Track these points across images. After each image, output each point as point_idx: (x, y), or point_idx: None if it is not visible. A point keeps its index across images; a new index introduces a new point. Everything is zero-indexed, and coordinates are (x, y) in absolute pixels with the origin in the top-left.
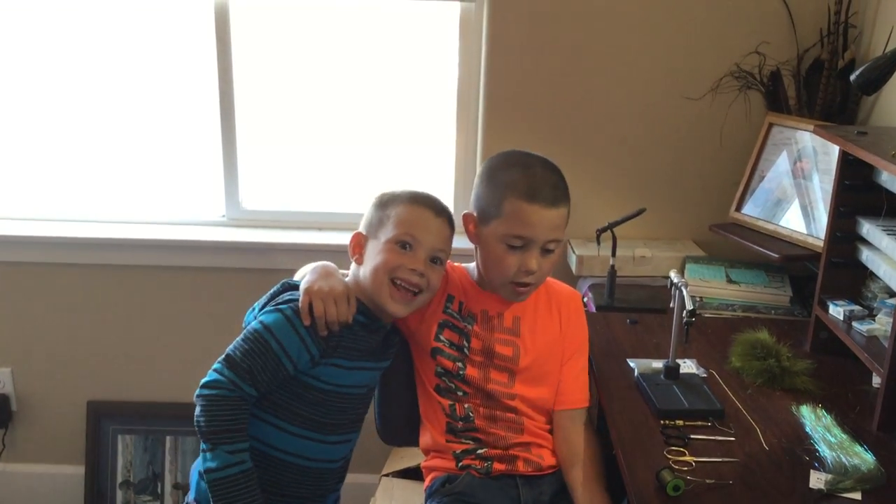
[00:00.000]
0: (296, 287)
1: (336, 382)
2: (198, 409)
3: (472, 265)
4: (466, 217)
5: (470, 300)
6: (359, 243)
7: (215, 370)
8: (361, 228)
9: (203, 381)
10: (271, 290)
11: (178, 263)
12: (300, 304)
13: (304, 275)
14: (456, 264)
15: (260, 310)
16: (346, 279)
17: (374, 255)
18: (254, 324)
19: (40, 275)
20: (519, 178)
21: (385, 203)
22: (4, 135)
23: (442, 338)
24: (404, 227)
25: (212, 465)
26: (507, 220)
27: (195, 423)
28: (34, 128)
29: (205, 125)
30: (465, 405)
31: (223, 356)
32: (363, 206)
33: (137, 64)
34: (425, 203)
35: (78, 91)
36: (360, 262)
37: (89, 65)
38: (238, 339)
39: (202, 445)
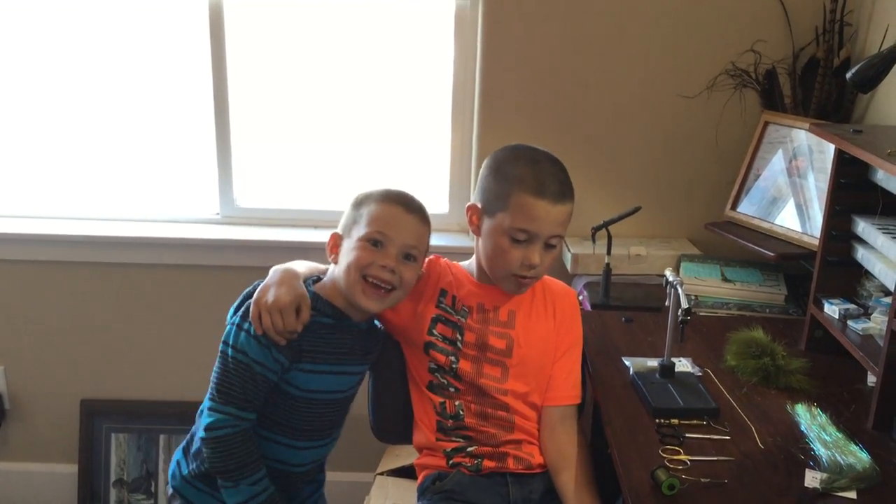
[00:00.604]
0: None
1: (306, 388)
2: (208, 451)
3: (468, 262)
4: (470, 208)
5: (465, 294)
6: (335, 243)
7: (213, 410)
8: (338, 229)
9: (205, 423)
10: (245, 291)
11: (173, 261)
12: (251, 316)
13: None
14: (452, 262)
15: (234, 312)
16: (325, 278)
17: (347, 253)
18: (228, 350)
19: (33, 272)
20: (527, 172)
21: (359, 202)
22: None
23: (435, 332)
24: (375, 224)
25: (238, 499)
26: (514, 213)
27: (209, 466)
28: (27, 125)
29: (199, 122)
30: (456, 402)
31: (214, 392)
32: None
33: (132, 62)
34: (397, 200)
35: (71, 89)
36: (336, 262)
37: (83, 63)
38: (218, 369)
39: (220, 481)
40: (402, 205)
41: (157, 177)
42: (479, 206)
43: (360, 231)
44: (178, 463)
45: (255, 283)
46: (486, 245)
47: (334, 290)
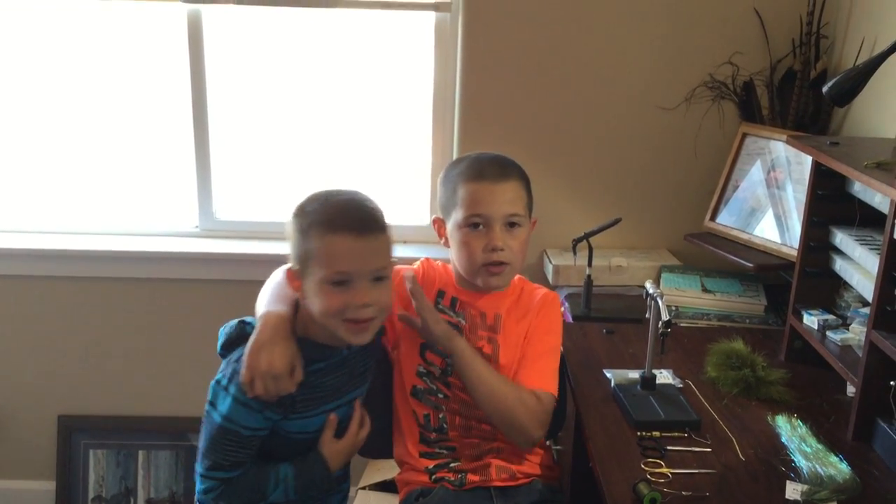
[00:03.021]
0: (247, 336)
1: (303, 431)
2: None
3: (452, 267)
4: (436, 221)
5: (459, 299)
6: (295, 278)
7: (204, 476)
8: (292, 261)
9: (199, 488)
10: (228, 331)
11: (151, 275)
12: (243, 381)
13: (257, 315)
14: (439, 262)
15: (222, 346)
16: (302, 309)
17: (313, 295)
18: (214, 415)
19: (8, 287)
20: (466, 166)
21: (304, 230)
22: None
23: None
24: (332, 264)
25: (278, 498)
26: (463, 205)
27: None
28: (3, 139)
29: (178, 135)
30: (440, 415)
31: (205, 459)
32: None
33: (110, 75)
34: (344, 226)
35: (49, 103)
36: (304, 298)
37: (61, 77)
38: (205, 433)
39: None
40: (351, 230)
41: (135, 190)
42: (440, 215)
43: (317, 272)
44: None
45: (238, 321)
46: (453, 247)
47: (312, 323)
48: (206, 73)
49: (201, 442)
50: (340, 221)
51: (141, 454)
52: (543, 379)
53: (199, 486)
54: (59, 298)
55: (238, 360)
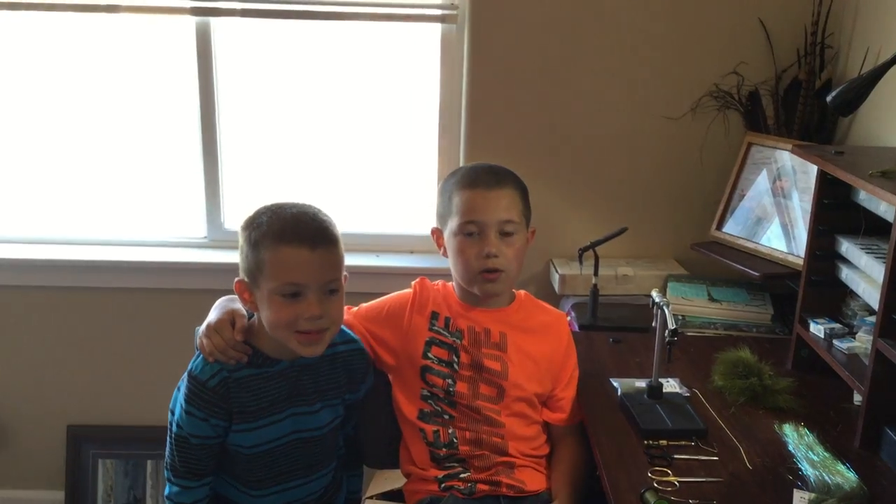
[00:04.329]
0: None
1: (242, 445)
2: None
3: (454, 283)
4: (434, 232)
5: (456, 316)
6: (244, 290)
7: (169, 481)
8: (241, 272)
9: (165, 492)
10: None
11: (159, 285)
12: (202, 351)
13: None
14: (437, 282)
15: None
16: (255, 319)
17: (263, 307)
18: (172, 420)
19: (19, 298)
20: (462, 175)
21: (255, 243)
22: None
23: (430, 355)
24: (283, 275)
25: None
26: (458, 212)
27: None
28: (10, 148)
29: (187, 145)
30: (450, 430)
31: (167, 463)
32: (347, 226)
33: (120, 85)
34: (295, 239)
35: (57, 112)
36: (255, 310)
37: (72, 87)
38: (167, 438)
39: None
40: (303, 243)
41: (143, 200)
42: (438, 225)
43: (267, 283)
44: None
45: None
46: (450, 255)
47: (263, 332)
48: (215, 83)
49: (166, 446)
50: (292, 233)
51: (149, 464)
52: (577, 408)
53: (166, 491)
54: (68, 309)
55: (189, 371)
